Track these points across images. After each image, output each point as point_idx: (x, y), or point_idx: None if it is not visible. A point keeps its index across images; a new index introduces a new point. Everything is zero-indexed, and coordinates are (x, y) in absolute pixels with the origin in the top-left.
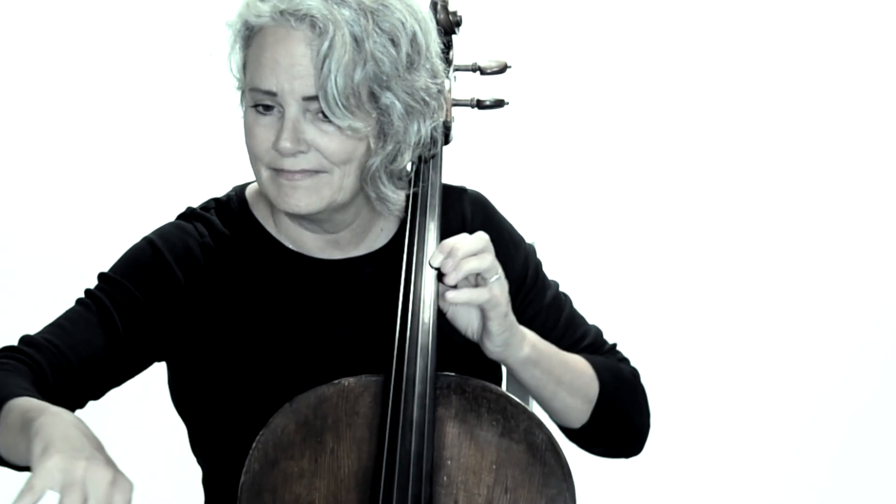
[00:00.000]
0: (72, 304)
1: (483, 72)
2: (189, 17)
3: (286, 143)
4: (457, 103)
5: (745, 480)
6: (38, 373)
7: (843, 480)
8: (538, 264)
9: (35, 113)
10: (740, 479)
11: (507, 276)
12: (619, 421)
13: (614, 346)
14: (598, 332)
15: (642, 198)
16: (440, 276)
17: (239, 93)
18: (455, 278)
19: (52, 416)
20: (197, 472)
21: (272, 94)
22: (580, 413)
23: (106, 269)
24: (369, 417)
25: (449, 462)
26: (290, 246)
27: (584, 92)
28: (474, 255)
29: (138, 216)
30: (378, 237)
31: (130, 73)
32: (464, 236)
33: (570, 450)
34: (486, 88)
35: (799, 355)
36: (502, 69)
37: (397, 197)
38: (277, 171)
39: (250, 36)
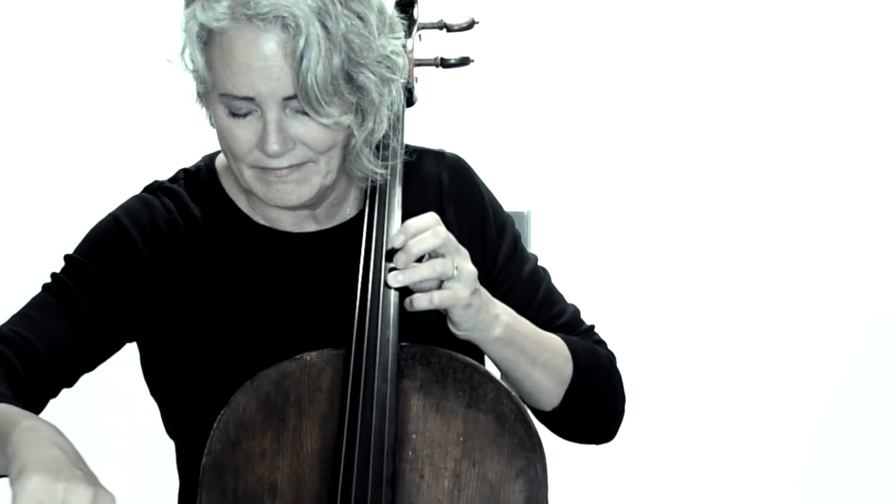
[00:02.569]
0: (37, 284)
1: (450, 29)
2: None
3: (274, 146)
4: (420, 63)
5: (733, 470)
6: (9, 368)
7: (839, 478)
8: (517, 236)
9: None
10: (727, 467)
11: (486, 246)
12: (592, 405)
13: (592, 327)
14: (576, 311)
15: (617, 161)
16: (389, 257)
17: (198, 86)
18: (398, 283)
19: (26, 433)
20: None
21: (249, 98)
22: (552, 396)
23: (71, 250)
24: (332, 393)
25: (414, 436)
26: (260, 220)
27: (554, 47)
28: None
29: (101, 193)
30: (351, 206)
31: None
32: (418, 228)
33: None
34: (452, 46)
35: (794, 347)
36: (470, 25)
37: (378, 168)
38: (263, 170)
39: (209, 38)
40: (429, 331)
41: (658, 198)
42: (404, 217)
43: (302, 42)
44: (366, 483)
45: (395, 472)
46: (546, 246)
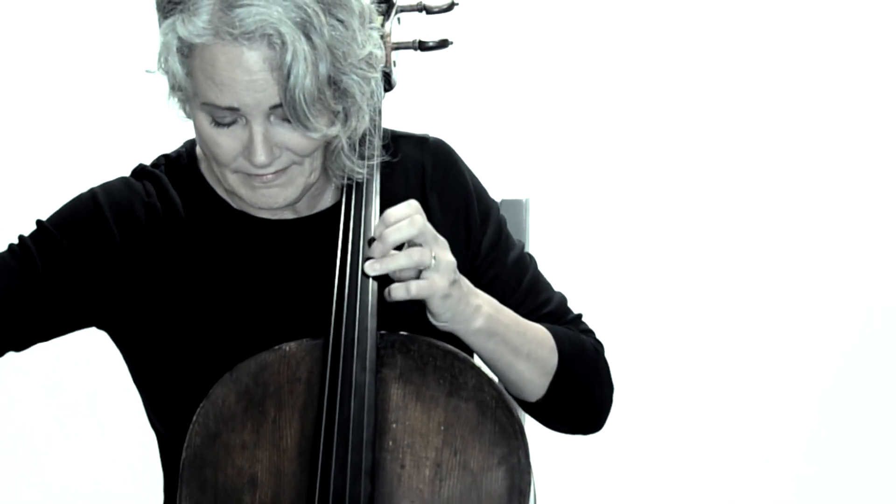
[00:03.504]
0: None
1: (429, 11)
2: None
3: (261, 158)
4: (398, 46)
5: (723, 463)
6: None
7: (834, 474)
8: (502, 222)
9: None
10: (717, 459)
11: (469, 233)
12: (578, 396)
13: (579, 316)
14: (563, 300)
15: (614, 148)
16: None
17: (175, 92)
18: (375, 272)
19: None
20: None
21: (233, 109)
22: (536, 387)
23: (45, 217)
24: (311, 383)
25: (394, 425)
26: (237, 206)
27: (537, 30)
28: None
29: (81, 175)
30: (331, 195)
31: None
32: (398, 217)
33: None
34: (430, 28)
35: (790, 341)
36: (449, 7)
37: (357, 167)
38: (248, 175)
39: (190, 51)
40: (409, 319)
41: (656, 186)
42: (384, 205)
43: (289, 57)
44: (344, 475)
45: (376, 463)
46: (544, 234)
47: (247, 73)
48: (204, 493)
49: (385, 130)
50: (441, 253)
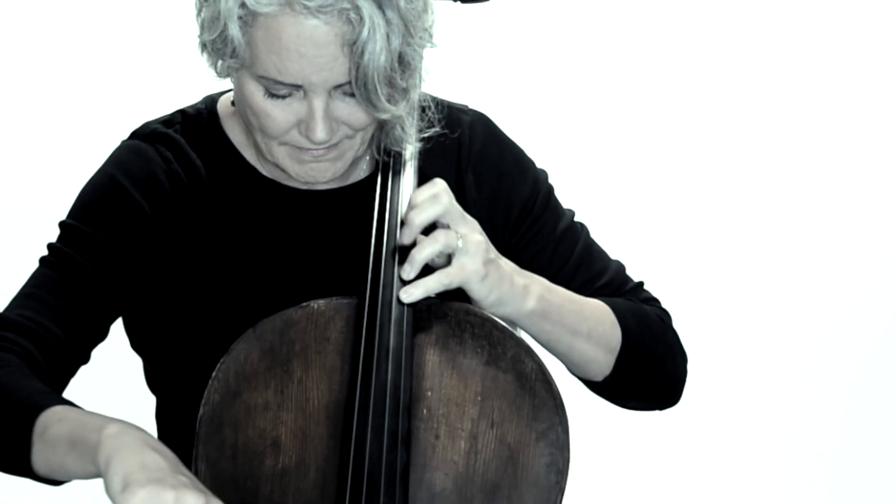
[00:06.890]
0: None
1: None
2: None
3: (322, 135)
4: None
5: (729, 462)
6: (30, 360)
7: (840, 479)
8: (549, 190)
9: None
10: (724, 458)
11: (512, 202)
12: (647, 370)
13: (640, 284)
14: (620, 268)
15: (636, 108)
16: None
17: (224, 58)
18: (411, 273)
19: (116, 439)
20: (150, 404)
21: (296, 86)
22: (601, 365)
23: (65, 215)
24: (341, 344)
25: (429, 393)
26: (268, 174)
27: None
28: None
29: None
30: (365, 166)
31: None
32: (422, 199)
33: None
34: None
35: (794, 339)
36: None
37: (413, 141)
38: (299, 149)
39: (254, 20)
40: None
41: (670, 167)
42: (421, 182)
43: (365, 33)
44: (381, 442)
45: (409, 432)
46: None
47: (315, 48)
48: (222, 453)
49: (441, 102)
50: (469, 233)
